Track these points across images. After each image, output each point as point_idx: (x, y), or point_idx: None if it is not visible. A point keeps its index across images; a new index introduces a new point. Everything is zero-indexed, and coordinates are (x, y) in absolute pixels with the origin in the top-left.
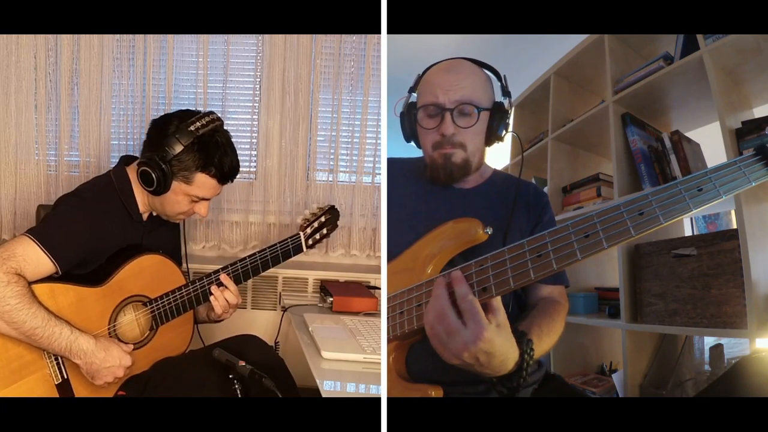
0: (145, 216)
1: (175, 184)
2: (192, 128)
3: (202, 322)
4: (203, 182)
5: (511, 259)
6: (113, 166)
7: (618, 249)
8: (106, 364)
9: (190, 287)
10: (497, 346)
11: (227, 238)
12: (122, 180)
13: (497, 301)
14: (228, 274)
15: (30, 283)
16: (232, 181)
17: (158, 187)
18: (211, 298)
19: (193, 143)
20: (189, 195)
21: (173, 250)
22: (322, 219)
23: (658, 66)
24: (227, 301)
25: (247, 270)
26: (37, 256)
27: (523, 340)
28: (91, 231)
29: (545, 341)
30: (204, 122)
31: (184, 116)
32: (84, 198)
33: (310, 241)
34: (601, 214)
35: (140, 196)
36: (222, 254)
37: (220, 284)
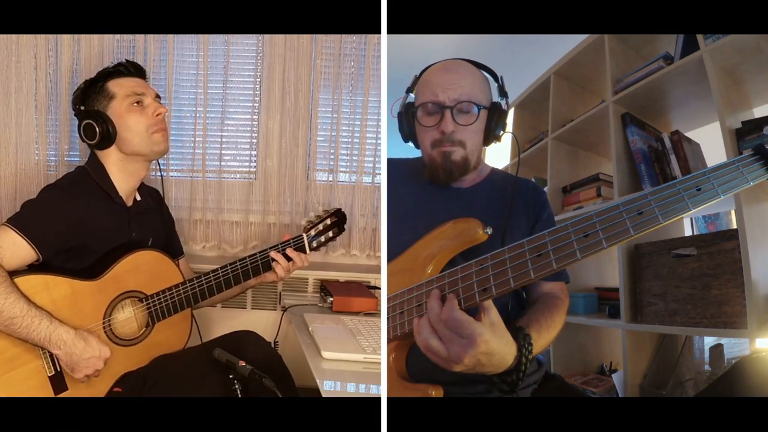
0: (129, 201)
1: (111, 108)
2: (86, 82)
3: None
4: (119, 84)
5: (511, 258)
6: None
7: (618, 249)
8: (85, 354)
9: (188, 284)
10: (494, 345)
11: (227, 238)
12: (95, 165)
13: (488, 302)
14: (277, 251)
15: (20, 274)
16: (145, 74)
17: (106, 126)
18: (274, 264)
19: (86, 82)
20: (125, 103)
21: (166, 239)
22: (327, 222)
23: (658, 66)
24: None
25: (246, 270)
26: (13, 242)
27: (519, 334)
28: (71, 213)
29: (544, 335)
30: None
31: None
32: (60, 185)
33: (314, 244)
34: (601, 214)
35: (117, 177)
36: (222, 254)
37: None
